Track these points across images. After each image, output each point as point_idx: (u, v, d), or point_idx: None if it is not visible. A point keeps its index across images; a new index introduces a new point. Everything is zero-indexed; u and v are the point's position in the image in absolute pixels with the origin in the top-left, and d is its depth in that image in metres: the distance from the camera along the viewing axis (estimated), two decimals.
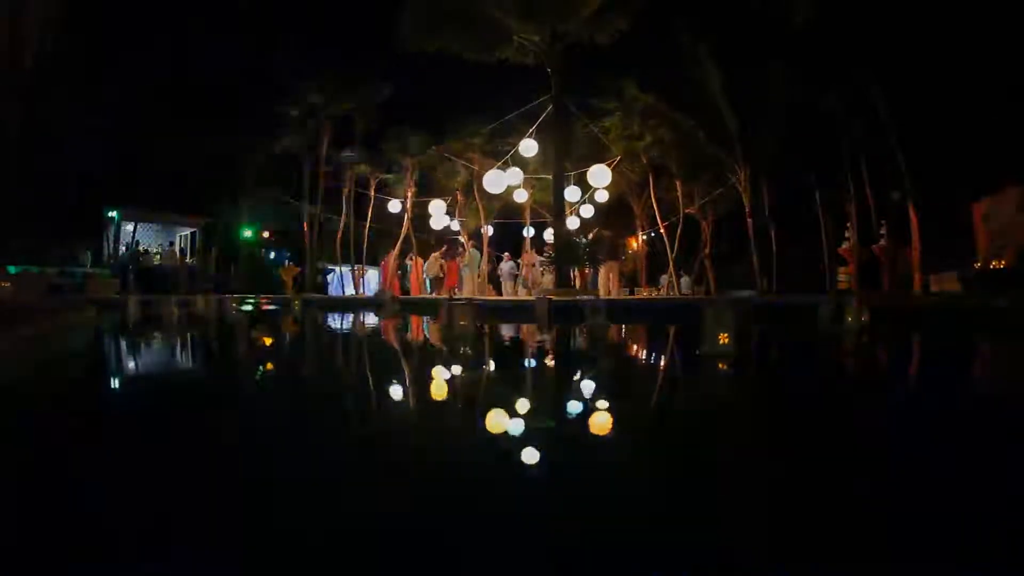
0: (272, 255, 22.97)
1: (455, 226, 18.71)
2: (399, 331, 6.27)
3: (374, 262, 20.49)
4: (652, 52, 14.87)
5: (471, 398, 2.46)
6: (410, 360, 3.96)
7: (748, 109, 13.83)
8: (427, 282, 17.03)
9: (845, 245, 14.05)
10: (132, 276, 16.44)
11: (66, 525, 1.03)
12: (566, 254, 14.34)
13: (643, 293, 19.15)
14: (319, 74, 16.79)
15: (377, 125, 17.50)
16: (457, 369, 3.31)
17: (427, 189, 18.36)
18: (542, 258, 16.63)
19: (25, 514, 1.10)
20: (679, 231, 17.16)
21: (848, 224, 13.91)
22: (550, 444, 1.62)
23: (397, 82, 17.55)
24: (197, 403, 2.33)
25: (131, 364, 3.80)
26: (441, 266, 15.96)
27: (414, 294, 16.86)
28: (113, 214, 18.52)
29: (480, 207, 17.42)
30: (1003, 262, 11.63)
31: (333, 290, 20.94)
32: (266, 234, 23.16)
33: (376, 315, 8.60)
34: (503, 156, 15.43)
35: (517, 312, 8.45)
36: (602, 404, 2.26)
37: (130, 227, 19.13)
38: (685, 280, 18.14)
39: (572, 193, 15.78)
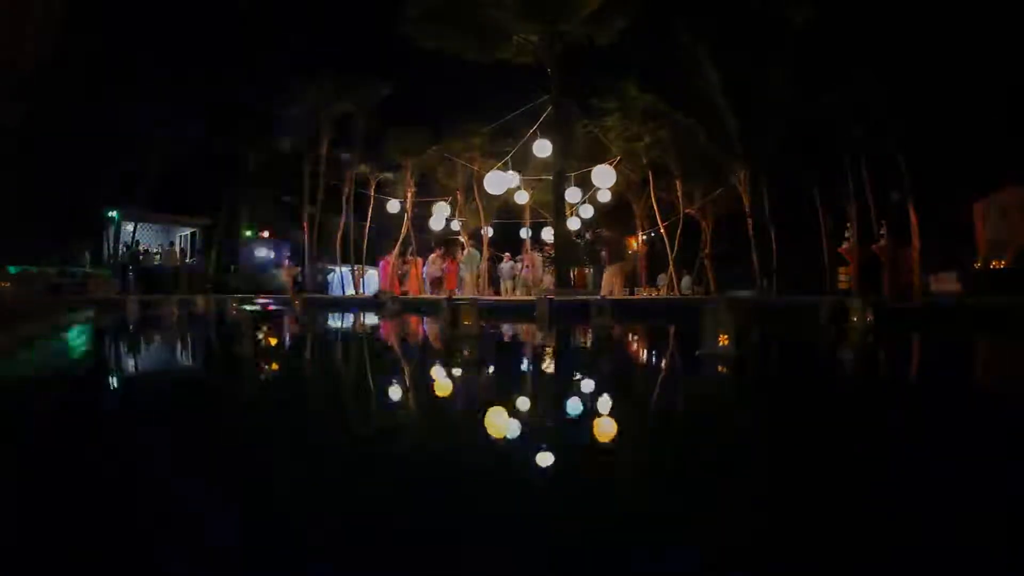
0: (272, 255, 22.98)
1: (455, 226, 18.72)
2: (400, 331, 6.27)
3: (374, 262, 20.50)
4: (652, 52, 14.87)
5: (471, 398, 2.46)
6: (410, 360, 3.95)
7: (748, 109, 13.83)
8: (426, 282, 17.03)
9: (845, 245, 14.04)
10: (132, 276, 16.45)
11: (66, 525, 1.03)
12: (566, 254, 14.34)
13: (643, 293, 19.15)
14: (319, 74, 16.79)
15: (377, 125, 17.51)
16: (457, 370, 3.31)
17: (427, 189, 18.35)
18: (541, 256, 16.64)
19: (25, 514, 1.10)
20: (679, 231, 17.18)
21: (848, 224, 13.90)
22: (550, 444, 1.62)
23: (397, 82, 17.57)
24: (197, 403, 2.33)
25: (130, 364, 3.80)
26: (441, 267, 15.95)
27: (414, 294, 16.86)
28: (113, 214, 18.52)
29: (480, 207, 17.43)
30: (1003, 262, 11.63)
31: (333, 290, 20.98)
32: (266, 234, 23.17)
33: (377, 315, 8.60)
34: (503, 156, 15.43)
35: (517, 312, 8.44)
36: (602, 404, 2.26)
37: (130, 227, 19.13)
38: (685, 280, 18.14)
39: (572, 193, 15.79)
